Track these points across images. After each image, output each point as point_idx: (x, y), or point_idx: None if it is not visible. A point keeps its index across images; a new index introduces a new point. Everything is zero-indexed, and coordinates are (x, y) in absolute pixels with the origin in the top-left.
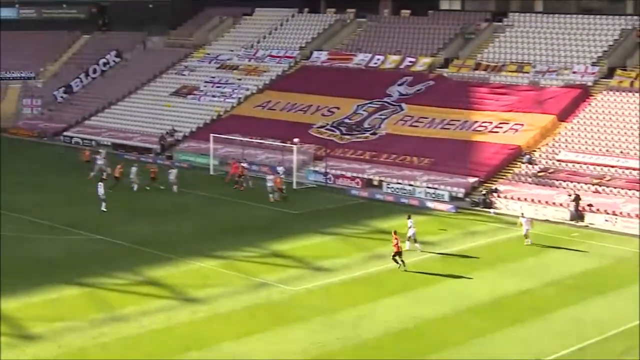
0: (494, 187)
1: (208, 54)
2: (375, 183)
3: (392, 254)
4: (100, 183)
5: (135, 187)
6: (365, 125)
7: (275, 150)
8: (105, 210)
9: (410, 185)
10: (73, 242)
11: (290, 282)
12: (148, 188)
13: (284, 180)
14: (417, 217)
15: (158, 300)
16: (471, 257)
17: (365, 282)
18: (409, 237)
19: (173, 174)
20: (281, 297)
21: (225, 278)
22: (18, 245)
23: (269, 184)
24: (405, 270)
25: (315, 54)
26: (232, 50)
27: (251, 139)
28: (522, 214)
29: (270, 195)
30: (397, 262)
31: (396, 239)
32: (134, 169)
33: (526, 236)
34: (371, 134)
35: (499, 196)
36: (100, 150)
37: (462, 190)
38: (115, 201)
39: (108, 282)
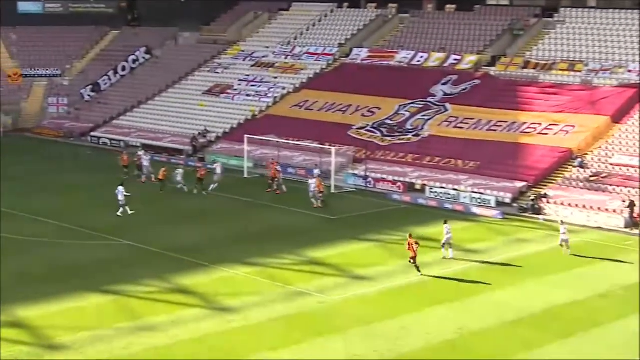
0: (543, 192)
1: (242, 51)
2: (418, 187)
3: (410, 257)
4: (120, 187)
5: (185, 189)
6: (408, 126)
7: (312, 153)
8: (120, 215)
9: (455, 189)
10: (99, 247)
11: (327, 291)
12: (195, 191)
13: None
14: (462, 224)
15: (188, 309)
16: (518, 266)
17: (407, 291)
18: (444, 244)
19: (219, 168)
20: (318, 306)
21: (260, 286)
22: (42, 250)
23: (312, 188)
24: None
25: (355, 51)
26: (267, 47)
27: (287, 140)
28: (561, 221)
29: (313, 201)
30: (417, 267)
31: (409, 242)
32: (180, 171)
33: (562, 245)
34: (414, 135)
35: (548, 202)
36: (140, 151)
37: (510, 195)
38: (145, 204)
39: (136, 290)
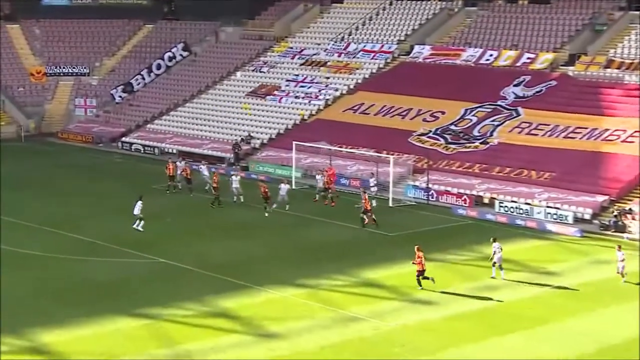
0: (627, 207)
1: (291, 47)
2: (486, 201)
3: (417, 272)
4: (139, 202)
5: (235, 199)
6: (475, 132)
7: (368, 162)
8: (142, 230)
9: (528, 204)
10: (131, 265)
11: (384, 316)
12: (267, 214)
13: (372, 197)
14: (535, 242)
15: (230, 335)
16: (599, 290)
17: (473, 318)
18: (494, 264)
19: (284, 189)
20: (374, 333)
21: (309, 310)
22: (66, 267)
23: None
24: (421, 288)
25: (417, 48)
26: (318, 44)
27: (340, 148)
28: (619, 246)
29: (367, 218)
30: (420, 284)
31: (419, 256)
32: (235, 178)
33: (621, 274)
34: (482, 143)
35: (633, 218)
36: (181, 162)
37: (590, 210)
38: (181, 217)
39: (171, 313)
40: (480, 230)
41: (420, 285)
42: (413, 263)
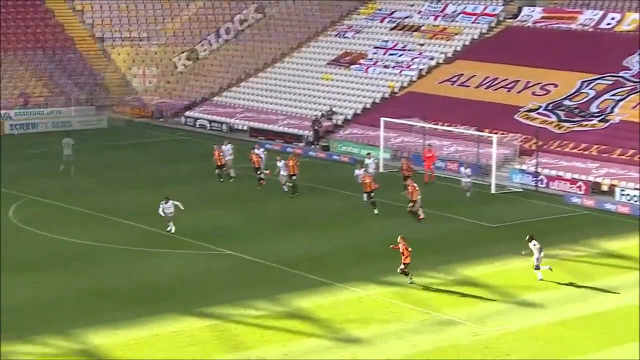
0: None
1: (379, 9)
2: (605, 188)
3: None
4: (164, 203)
5: (285, 189)
6: (593, 108)
7: (467, 142)
8: (172, 232)
9: None
10: (194, 257)
11: (484, 320)
12: (376, 211)
13: (472, 182)
14: None
15: (306, 339)
16: None
17: (587, 324)
18: (537, 266)
19: (372, 165)
20: (472, 340)
21: (397, 312)
22: (122, 261)
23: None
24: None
25: (525, 10)
26: (411, 5)
27: (435, 125)
28: None
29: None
30: (407, 274)
31: (405, 246)
32: (279, 164)
33: None
34: (600, 120)
35: None
36: (225, 145)
37: None
38: (253, 207)
39: (240, 313)
40: (597, 222)
41: (406, 275)
42: (403, 261)
